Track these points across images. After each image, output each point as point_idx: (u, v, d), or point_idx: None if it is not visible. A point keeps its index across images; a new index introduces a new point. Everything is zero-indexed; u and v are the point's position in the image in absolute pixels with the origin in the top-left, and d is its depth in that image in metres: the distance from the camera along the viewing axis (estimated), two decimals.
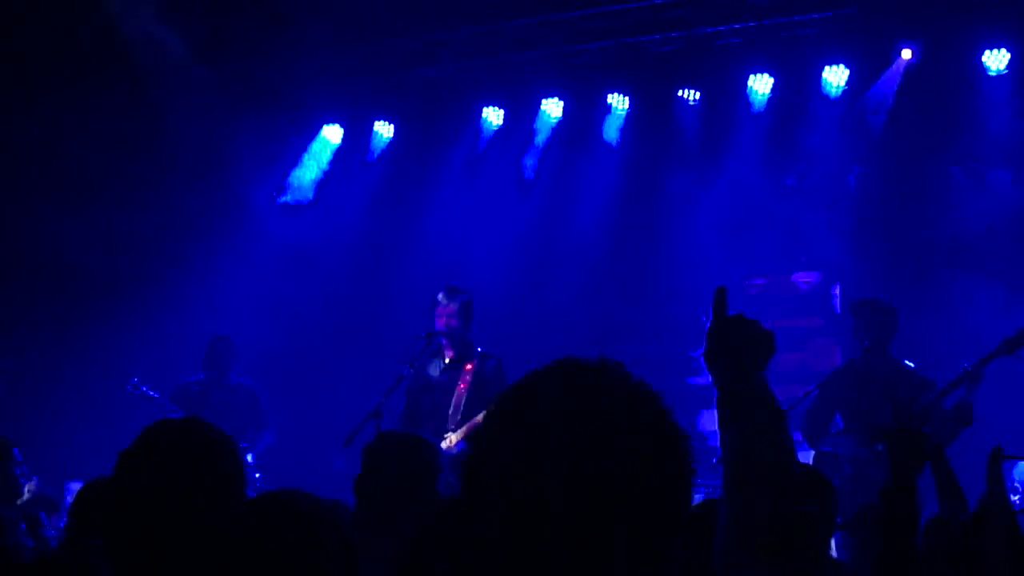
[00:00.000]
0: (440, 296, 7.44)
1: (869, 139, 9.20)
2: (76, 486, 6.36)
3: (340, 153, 10.74)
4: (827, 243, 9.40)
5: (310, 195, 10.80)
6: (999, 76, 8.67)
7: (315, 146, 10.74)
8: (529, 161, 10.30)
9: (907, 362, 7.11)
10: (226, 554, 2.12)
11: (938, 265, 8.74)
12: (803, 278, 9.87)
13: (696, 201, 9.65)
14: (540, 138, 10.22)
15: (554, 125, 10.16)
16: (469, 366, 7.38)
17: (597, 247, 10.02)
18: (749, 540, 1.61)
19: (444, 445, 7.09)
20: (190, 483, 2.42)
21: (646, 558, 1.40)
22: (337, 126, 10.69)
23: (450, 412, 7.29)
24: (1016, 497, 6.33)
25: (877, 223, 9.20)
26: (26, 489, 6.16)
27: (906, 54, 8.82)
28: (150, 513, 2.39)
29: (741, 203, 9.58)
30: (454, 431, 7.21)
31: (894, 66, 8.91)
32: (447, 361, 7.45)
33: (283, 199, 10.76)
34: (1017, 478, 6.61)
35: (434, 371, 7.45)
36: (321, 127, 10.67)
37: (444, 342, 7.45)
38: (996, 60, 8.67)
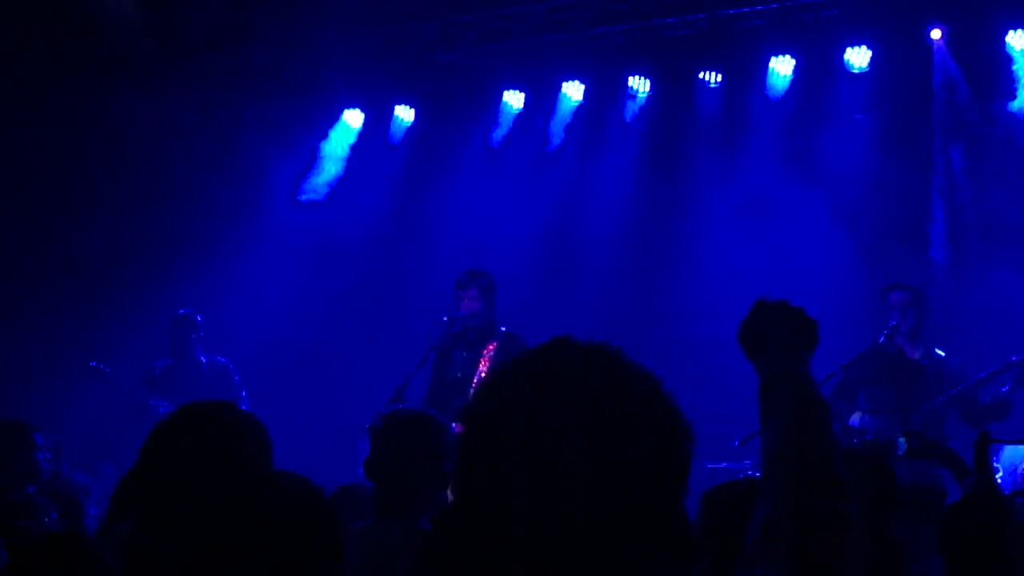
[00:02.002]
0: (459, 281, 7.43)
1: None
2: (109, 470, 6.41)
3: (361, 138, 10.73)
4: (848, 228, 9.33)
5: (330, 181, 10.78)
6: None
7: (336, 131, 10.73)
8: (550, 144, 10.28)
9: (938, 350, 7.06)
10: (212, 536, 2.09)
11: (973, 253, 8.66)
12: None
13: (718, 183, 9.61)
14: (561, 121, 10.20)
15: (575, 108, 10.13)
16: (490, 346, 7.38)
17: (618, 230, 9.99)
18: (776, 535, 1.58)
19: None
20: (212, 466, 2.42)
21: (646, 541, 1.37)
22: (358, 111, 10.66)
23: (471, 394, 7.27)
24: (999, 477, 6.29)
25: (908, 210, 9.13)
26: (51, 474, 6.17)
27: (936, 34, 8.73)
28: (168, 495, 2.39)
29: (763, 186, 9.52)
30: None
31: (935, 54, 8.77)
32: (470, 343, 7.45)
33: (303, 185, 10.75)
34: (1002, 463, 6.57)
35: (457, 355, 7.44)
36: (342, 112, 10.65)
37: (468, 326, 7.44)
38: (1021, 40, 8.56)
